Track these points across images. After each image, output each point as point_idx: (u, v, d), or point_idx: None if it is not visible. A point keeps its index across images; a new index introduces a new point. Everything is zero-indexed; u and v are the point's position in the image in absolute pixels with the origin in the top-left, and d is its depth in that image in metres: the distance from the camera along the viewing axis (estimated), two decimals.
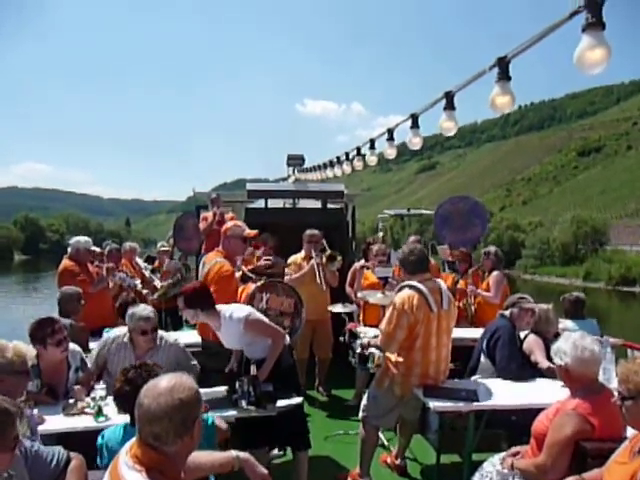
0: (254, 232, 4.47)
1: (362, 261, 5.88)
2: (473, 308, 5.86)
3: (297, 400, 3.31)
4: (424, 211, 14.91)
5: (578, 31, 2.44)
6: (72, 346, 3.58)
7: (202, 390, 3.28)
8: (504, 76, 3.05)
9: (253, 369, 3.28)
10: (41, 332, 3.29)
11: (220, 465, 2.15)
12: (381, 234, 10.60)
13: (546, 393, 3.38)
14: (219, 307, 3.49)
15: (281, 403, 3.20)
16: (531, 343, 4.10)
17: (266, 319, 3.63)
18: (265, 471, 2.20)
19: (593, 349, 2.68)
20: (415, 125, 4.40)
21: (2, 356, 2.56)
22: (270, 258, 4.95)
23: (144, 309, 3.66)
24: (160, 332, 3.79)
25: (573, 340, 2.70)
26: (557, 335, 3.98)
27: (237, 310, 3.48)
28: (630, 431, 2.34)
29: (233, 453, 2.19)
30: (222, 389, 3.40)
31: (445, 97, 3.73)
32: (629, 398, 2.07)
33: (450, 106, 3.72)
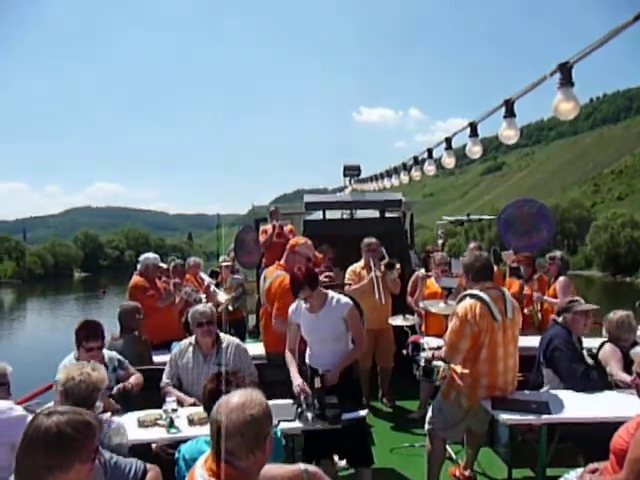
0: (320, 258, 4.56)
1: (423, 270, 5.82)
2: (540, 315, 5.67)
3: (362, 413, 3.31)
4: (485, 216, 14.57)
5: None
6: (109, 353, 3.83)
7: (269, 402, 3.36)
8: (567, 82, 2.96)
9: (317, 381, 3.29)
10: (79, 334, 3.60)
11: (289, 478, 2.17)
12: (440, 241, 10.45)
13: (623, 406, 3.22)
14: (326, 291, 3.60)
15: (347, 416, 3.21)
16: (607, 353, 3.90)
17: None
18: None
19: None
20: (474, 134, 4.32)
21: None
22: (331, 275, 4.97)
23: (203, 306, 4.00)
24: (223, 335, 4.03)
25: None
26: (635, 343, 3.78)
27: (345, 297, 3.59)
28: None
29: (302, 466, 2.21)
30: (287, 401, 3.44)
31: (505, 105, 3.65)
32: None
33: (510, 114, 3.63)
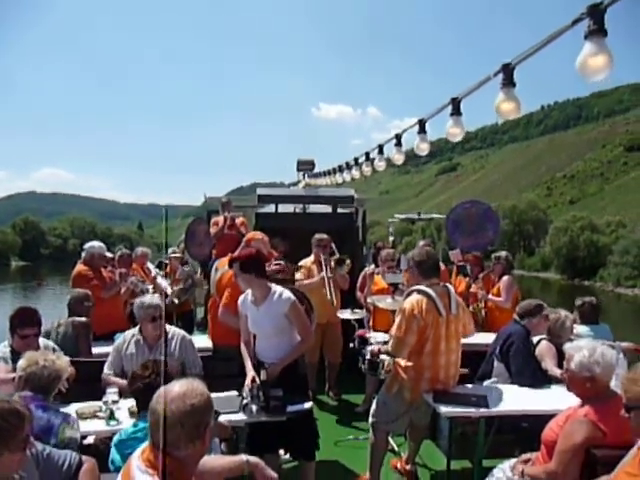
0: (275, 256, 4.55)
1: (372, 266, 5.89)
2: (484, 312, 5.85)
3: (307, 406, 3.32)
4: (435, 215, 14.87)
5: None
6: (44, 341, 3.70)
7: (212, 395, 3.33)
8: (508, 82, 3.06)
9: (263, 374, 3.29)
10: (14, 321, 3.49)
11: (230, 469, 2.17)
12: (391, 238, 10.59)
13: (557, 400, 3.36)
14: (270, 284, 3.54)
15: (291, 408, 3.22)
16: (543, 349, 4.08)
17: None
18: (275, 475, 2.21)
19: (614, 358, 2.71)
20: (422, 131, 4.40)
21: None
22: (281, 262, 4.98)
23: (151, 298, 3.85)
24: (169, 326, 3.95)
25: (601, 352, 2.69)
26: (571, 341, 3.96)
27: (288, 292, 3.53)
28: None
29: (243, 457, 2.21)
30: (232, 394, 3.42)
31: (452, 103, 3.73)
32: (633, 409, 2.06)
33: (457, 112, 3.72)
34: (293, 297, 3.48)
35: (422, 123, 4.41)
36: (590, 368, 2.64)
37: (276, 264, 4.99)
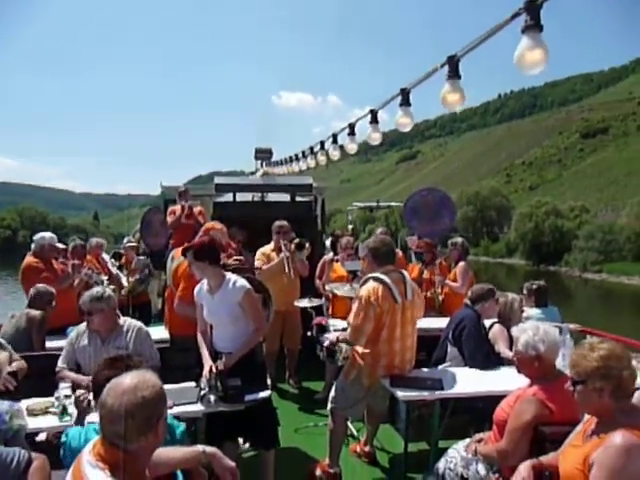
0: (233, 246, 4.51)
1: (331, 254, 5.92)
2: (441, 298, 5.98)
3: (265, 394, 3.32)
4: (393, 203, 15.04)
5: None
6: None
7: (169, 386, 3.29)
8: (454, 74, 3.10)
9: (220, 363, 3.27)
10: None
11: (186, 460, 2.15)
12: (350, 226, 10.67)
13: (509, 380, 3.46)
14: (225, 273, 3.50)
15: (249, 397, 3.21)
16: (496, 333, 4.20)
17: None
18: (233, 464, 2.21)
19: (557, 336, 2.84)
20: (374, 120, 4.43)
21: None
22: (240, 259, 4.93)
23: (96, 290, 3.72)
24: (124, 317, 3.83)
25: (544, 330, 2.80)
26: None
27: (243, 280, 3.49)
28: (586, 415, 2.43)
29: (200, 448, 2.20)
30: (190, 384, 3.40)
31: (401, 93, 3.77)
32: (579, 382, 2.14)
33: (406, 102, 3.76)
34: (248, 285, 3.45)
35: (374, 113, 4.44)
36: (535, 346, 2.74)
37: (235, 259, 4.94)
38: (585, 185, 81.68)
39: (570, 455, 2.20)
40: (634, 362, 3.48)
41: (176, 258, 4.46)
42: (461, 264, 5.88)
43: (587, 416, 2.29)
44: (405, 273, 3.81)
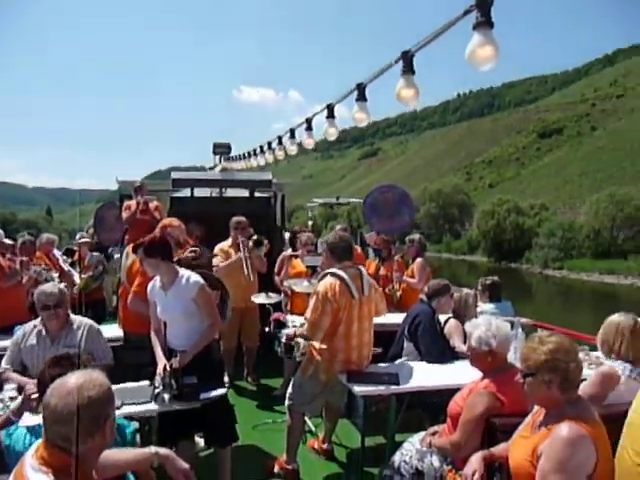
0: (191, 243, 4.44)
1: (290, 250, 5.90)
2: (398, 294, 6.04)
3: (221, 391, 3.28)
4: (353, 200, 15.11)
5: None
6: None
7: (122, 385, 3.21)
8: (408, 69, 3.12)
9: (175, 361, 3.20)
10: None
11: (137, 462, 2.10)
12: (310, 222, 10.67)
13: (464, 374, 3.52)
14: (178, 268, 3.43)
15: (205, 395, 3.16)
16: (451, 328, 4.28)
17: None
18: (187, 466, 2.16)
19: (509, 331, 2.91)
20: (331, 115, 4.43)
21: None
22: (196, 249, 4.86)
23: (47, 286, 3.64)
24: (75, 316, 3.73)
25: (496, 325, 2.86)
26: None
27: (196, 276, 3.42)
28: (535, 406, 2.50)
29: (152, 449, 2.14)
30: (144, 383, 3.32)
31: (357, 88, 3.78)
32: (529, 375, 2.20)
33: (362, 97, 3.77)
34: (202, 281, 3.39)
35: (330, 108, 4.44)
36: (488, 342, 2.80)
37: (191, 251, 4.87)
38: (542, 184, 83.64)
39: (519, 446, 2.26)
40: (581, 355, 3.63)
41: (131, 254, 4.36)
42: (418, 260, 5.96)
43: (536, 407, 2.35)
44: (362, 269, 3.84)
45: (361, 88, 3.76)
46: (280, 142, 5.80)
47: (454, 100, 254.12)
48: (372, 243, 6.64)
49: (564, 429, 2.03)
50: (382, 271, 6.12)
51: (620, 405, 2.57)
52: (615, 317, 3.03)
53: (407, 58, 3.09)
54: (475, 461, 2.41)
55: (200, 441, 3.91)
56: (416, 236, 6.15)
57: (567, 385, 2.15)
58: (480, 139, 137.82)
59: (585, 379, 2.95)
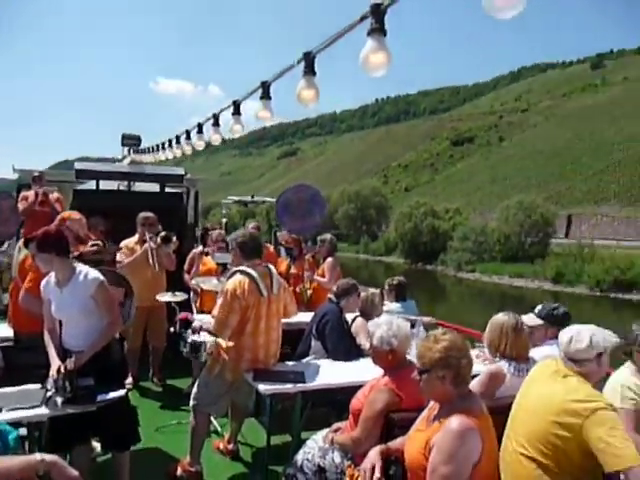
0: (94, 239, 4.24)
1: (200, 247, 5.80)
2: (309, 293, 6.10)
3: (120, 393, 3.14)
4: (267, 199, 15.09)
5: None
6: None
7: (11, 388, 3.00)
8: (309, 70, 3.15)
9: (70, 362, 3.03)
10: None
11: (20, 470, 1.95)
12: (224, 220, 10.53)
13: (369, 371, 3.62)
14: (75, 264, 3.23)
15: (102, 397, 3.02)
16: (358, 326, 4.37)
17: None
18: (75, 473, 2.03)
19: (409, 330, 3.01)
20: (237, 112, 4.40)
21: None
22: (98, 243, 4.64)
23: None
24: None
25: (397, 325, 2.96)
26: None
27: (95, 272, 3.24)
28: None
29: (37, 456, 2.00)
30: (35, 386, 3.12)
31: (262, 86, 3.78)
32: (425, 372, 2.30)
33: (266, 96, 3.78)
34: (101, 277, 3.24)
35: (236, 104, 4.41)
36: (389, 341, 2.90)
37: (93, 244, 4.65)
38: (455, 189, 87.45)
39: (415, 439, 2.35)
40: (477, 351, 3.85)
41: (23, 248, 4.08)
42: (329, 260, 6.05)
43: (432, 402, 2.46)
44: (272, 267, 3.84)
45: (266, 86, 3.76)
46: (189, 136, 5.67)
47: (372, 105, 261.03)
48: (284, 242, 6.66)
49: (454, 422, 2.14)
50: (293, 270, 6.17)
51: (506, 399, 2.76)
52: (499, 317, 3.20)
53: (309, 59, 3.12)
54: (373, 455, 2.48)
55: (97, 446, 3.73)
56: (327, 236, 6.24)
57: (459, 380, 2.27)
58: (397, 144, 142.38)
59: (479, 374, 3.14)
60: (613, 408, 2.25)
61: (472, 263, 41.53)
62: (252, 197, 13.06)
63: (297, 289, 5.92)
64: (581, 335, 2.40)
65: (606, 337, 2.41)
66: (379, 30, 2.50)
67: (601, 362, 2.39)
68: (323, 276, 6.03)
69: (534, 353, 3.18)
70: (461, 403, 2.23)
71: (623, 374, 2.94)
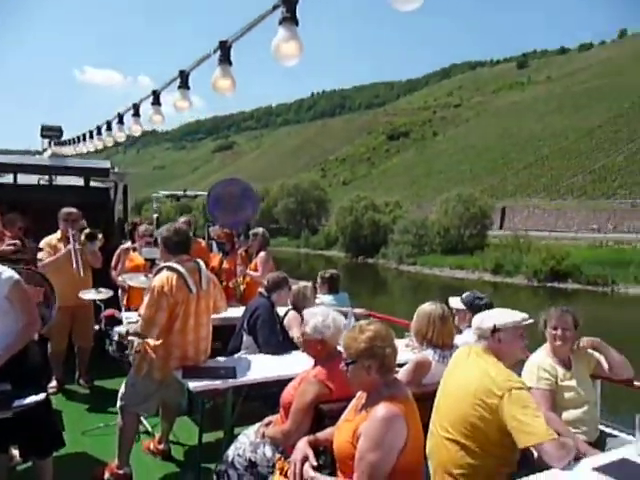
0: (9, 235, 3.99)
1: (128, 243, 5.62)
2: (242, 288, 6.05)
3: (39, 397, 2.99)
4: (200, 192, 14.80)
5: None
6: None
7: None
8: (225, 59, 3.13)
9: None
10: None
11: None
12: (155, 215, 10.26)
13: (301, 364, 3.63)
14: None
15: (19, 403, 2.86)
16: (291, 319, 4.38)
17: None
18: None
19: (342, 321, 3.04)
20: (157, 102, 4.32)
21: None
22: (16, 242, 4.39)
23: None
24: None
25: (333, 317, 2.98)
26: None
27: (9, 271, 3.03)
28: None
29: None
30: None
31: (180, 76, 3.72)
32: (351, 363, 2.33)
33: (184, 85, 3.72)
34: (16, 276, 3.05)
35: (156, 94, 4.33)
36: (322, 331, 2.92)
37: (10, 244, 4.40)
38: (392, 183, 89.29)
39: (343, 429, 2.38)
40: (407, 341, 3.95)
41: None
42: (261, 254, 6.02)
43: (360, 392, 2.50)
44: (201, 262, 3.77)
45: (184, 76, 3.70)
46: (109, 128, 5.48)
47: (308, 99, 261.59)
48: (216, 237, 6.57)
49: (380, 410, 2.18)
50: (226, 265, 6.09)
51: (431, 385, 2.86)
52: (426, 307, 3.30)
53: (225, 48, 3.09)
54: (301, 446, 2.49)
55: (17, 453, 3.55)
56: (259, 230, 6.20)
57: (385, 369, 2.31)
58: (334, 138, 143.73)
59: (407, 362, 3.22)
60: (526, 387, 2.38)
61: (413, 256, 42.31)
62: (184, 191, 12.76)
63: (230, 284, 5.86)
64: (484, 315, 2.62)
65: (502, 316, 2.57)
66: (290, 19, 2.51)
67: (500, 338, 2.52)
68: (256, 270, 5.99)
69: (457, 340, 3.31)
70: (387, 390, 2.28)
71: (539, 355, 3.11)
